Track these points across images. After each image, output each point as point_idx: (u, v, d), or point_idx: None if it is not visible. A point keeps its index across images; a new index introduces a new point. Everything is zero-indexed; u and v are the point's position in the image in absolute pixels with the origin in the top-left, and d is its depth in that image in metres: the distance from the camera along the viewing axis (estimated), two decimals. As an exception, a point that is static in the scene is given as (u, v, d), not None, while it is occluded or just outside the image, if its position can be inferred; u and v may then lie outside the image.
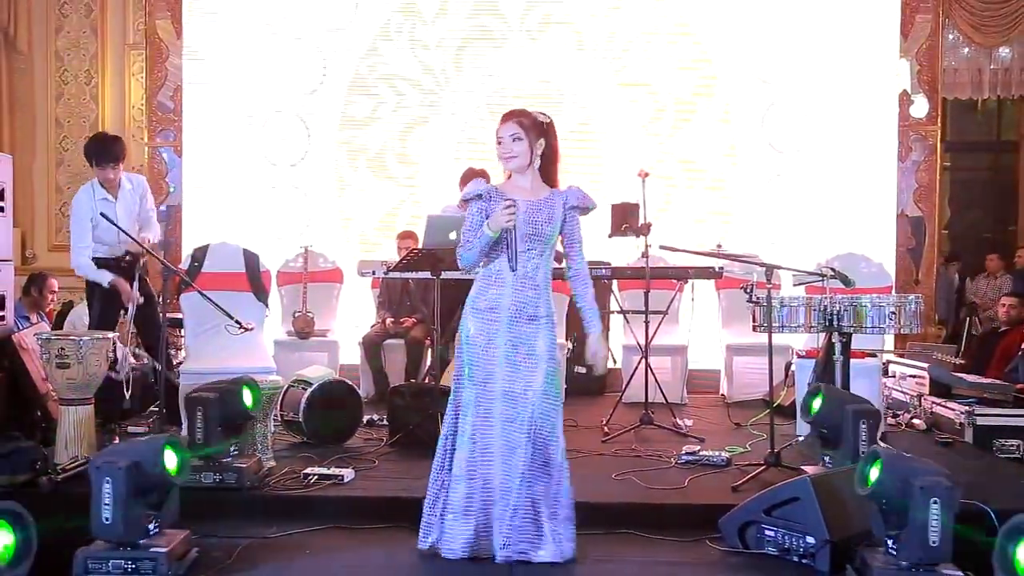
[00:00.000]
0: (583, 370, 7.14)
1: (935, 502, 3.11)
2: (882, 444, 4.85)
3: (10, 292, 5.55)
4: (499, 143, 3.60)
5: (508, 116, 3.63)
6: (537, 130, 3.60)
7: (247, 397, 4.40)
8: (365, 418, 5.63)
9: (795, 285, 5.55)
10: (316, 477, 4.37)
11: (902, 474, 3.21)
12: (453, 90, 8.02)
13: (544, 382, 3.51)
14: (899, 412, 6.16)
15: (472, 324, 3.59)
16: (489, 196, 3.57)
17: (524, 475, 3.45)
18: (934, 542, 3.13)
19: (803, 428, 4.80)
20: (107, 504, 3.26)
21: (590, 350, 3.77)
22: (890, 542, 3.25)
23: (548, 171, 3.66)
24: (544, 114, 3.65)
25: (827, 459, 4.31)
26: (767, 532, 3.67)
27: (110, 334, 4.89)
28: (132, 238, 5.03)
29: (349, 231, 8.06)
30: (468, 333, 3.59)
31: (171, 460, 3.43)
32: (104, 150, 5.37)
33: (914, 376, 6.29)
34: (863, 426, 4.14)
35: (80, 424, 4.62)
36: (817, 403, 4.36)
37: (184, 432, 5.11)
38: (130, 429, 5.24)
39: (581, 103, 7.91)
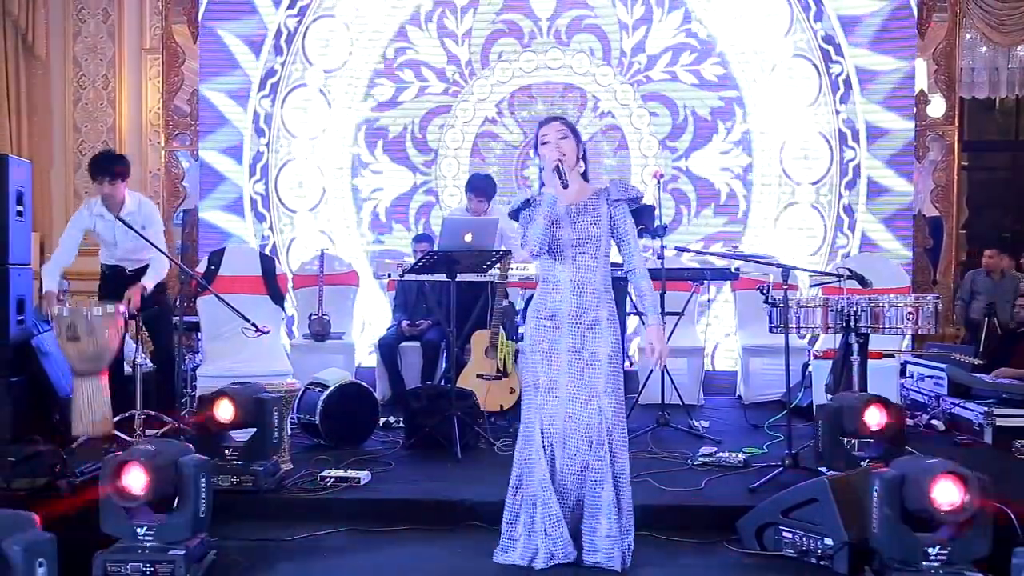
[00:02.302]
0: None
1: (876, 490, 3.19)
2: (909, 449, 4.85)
3: (29, 296, 5.59)
4: (545, 143, 3.57)
5: (550, 119, 3.67)
6: (576, 133, 3.63)
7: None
8: (381, 420, 5.64)
9: (812, 286, 5.53)
10: (332, 479, 4.38)
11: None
12: (476, 83, 8.02)
13: (608, 387, 3.48)
14: (917, 413, 6.12)
15: (534, 333, 3.58)
16: (536, 202, 3.57)
17: (596, 481, 3.44)
18: (875, 529, 3.20)
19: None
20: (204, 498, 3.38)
21: (645, 342, 3.69)
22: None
23: (586, 175, 3.68)
24: None
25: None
26: (785, 534, 3.66)
27: (121, 307, 5.01)
28: (150, 243, 5.06)
29: (362, 211, 8.11)
30: (530, 342, 3.59)
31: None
32: (98, 164, 5.48)
33: (932, 377, 6.25)
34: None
35: (93, 396, 4.69)
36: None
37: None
38: (146, 432, 5.27)
39: (602, 111, 7.90)
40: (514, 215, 3.68)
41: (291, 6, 8.05)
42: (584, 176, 3.68)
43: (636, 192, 3.67)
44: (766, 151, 7.89)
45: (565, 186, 3.50)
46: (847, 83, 7.80)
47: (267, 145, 8.11)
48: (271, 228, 8.07)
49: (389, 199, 8.10)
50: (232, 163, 8.07)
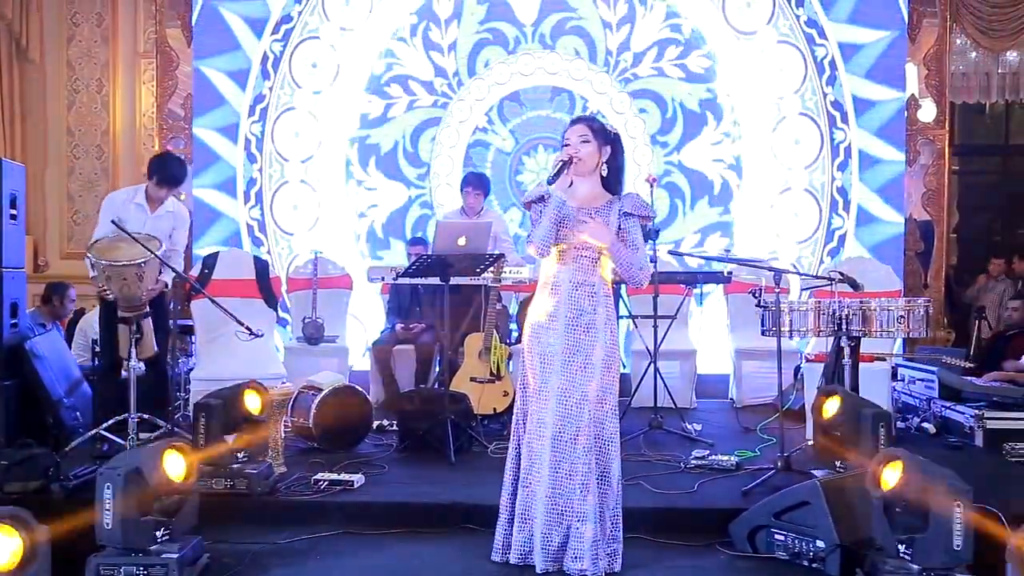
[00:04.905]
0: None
1: (959, 506, 3.12)
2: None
3: (23, 300, 5.58)
4: (566, 144, 3.58)
5: (577, 120, 3.68)
6: (604, 137, 3.61)
7: (252, 402, 4.44)
8: (375, 424, 5.65)
9: (803, 289, 5.56)
10: (326, 483, 4.39)
11: (923, 477, 3.21)
12: (465, 93, 8.05)
13: (600, 391, 3.49)
14: (908, 416, 6.15)
15: (531, 332, 3.59)
16: (549, 199, 3.56)
17: (582, 485, 3.43)
18: (958, 546, 3.12)
19: (812, 432, 4.80)
20: (107, 510, 3.29)
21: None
22: (902, 547, 3.24)
23: (612, 183, 3.65)
24: (612, 126, 3.69)
25: (838, 463, 4.31)
26: (777, 536, 3.68)
27: (138, 259, 4.92)
28: (131, 234, 4.99)
29: (358, 228, 8.14)
30: (527, 341, 3.60)
31: (176, 466, 3.46)
32: (170, 174, 5.44)
33: (923, 380, 6.28)
34: (882, 430, 4.12)
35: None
36: (831, 407, 4.38)
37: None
38: (141, 435, 5.26)
39: (591, 111, 7.92)
40: (526, 206, 3.69)
41: (275, 31, 8.07)
42: (609, 182, 3.65)
43: (650, 211, 3.70)
44: (756, 139, 7.96)
45: (550, 183, 3.50)
46: (832, 65, 7.88)
47: (260, 171, 8.14)
48: (268, 252, 8.10)
49: (384, 215, 8.13)
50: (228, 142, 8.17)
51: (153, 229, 5.30)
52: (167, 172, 5.41)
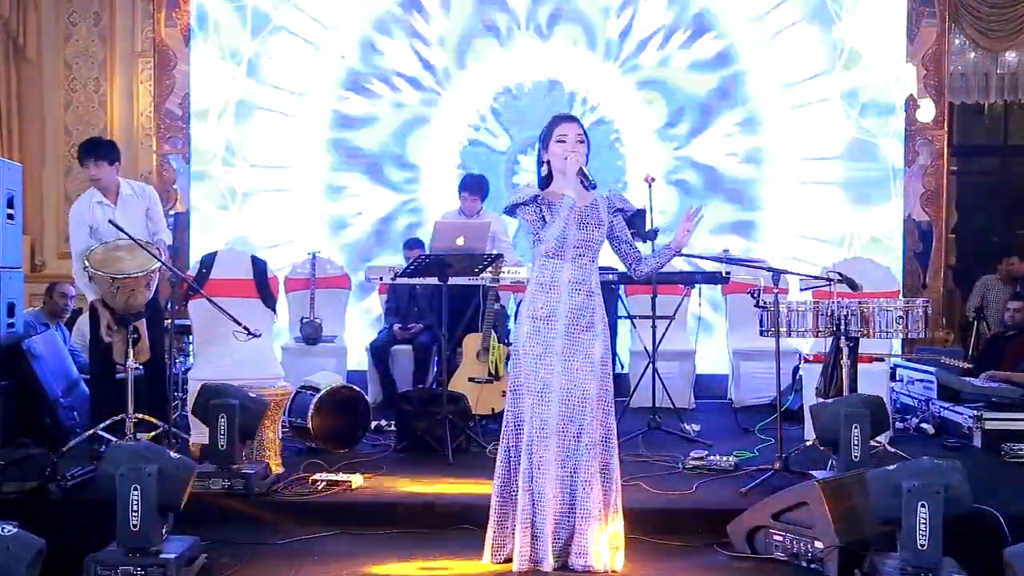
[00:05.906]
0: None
1: (923, 505, 3.13)
2: (889, 447, 4.87)
3: (19, 300, 5.57)
4: (562, 141, 3.60)
5: (571, 118, 3.71)
6: (587, 138, 3.66)
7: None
8: (373, 424, 5.65)
9: (802, 290, 5.55)
10: (324, 483, 4.39)
11: (894, 480, 3.23)
12: (454, 89, 7.74)
13: (599, 389, 3.52)
14: (907, 416, 6.15)
15: (528, 332, 3.57)
16: (543, 201, 3.59)
17: (586, 482, 3.45)
18: (922, 545, 3.14)
19: (811, 433, 4.80)
20: (135, 512, 3.29)
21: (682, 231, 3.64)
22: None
23: (587, 182, 3.67)
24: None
25: (834, 462, 4.31)
26: (775, 537, 3.67)
27: (147, 267, 4.88)
28: (133, 239, 4.96)
29: (342, 239, 7.85)
30: (523, 342, 3.57)
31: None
32: (85, 148, 5.35)
33: (922, 380, 6.27)
34: (856, 430, 4.11)
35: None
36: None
37: (192, 439, 5.16)
38: (138, 436, 5.25)
39: (592, 104, 7.73)
40: (511, 211, 3.67)
41: (246, 24, 7.83)
42: (586, 181, 3.69)
43: (634, 208, 3.77)
44: (772, 128, 7.72)
45: (594, 187, 3.56)
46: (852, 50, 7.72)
47: (237, 177, 7.90)
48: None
49: (369, 223, 7.82)
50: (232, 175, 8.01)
51: (125, 219, 5.23)
52: (81, 149, 5.37)
